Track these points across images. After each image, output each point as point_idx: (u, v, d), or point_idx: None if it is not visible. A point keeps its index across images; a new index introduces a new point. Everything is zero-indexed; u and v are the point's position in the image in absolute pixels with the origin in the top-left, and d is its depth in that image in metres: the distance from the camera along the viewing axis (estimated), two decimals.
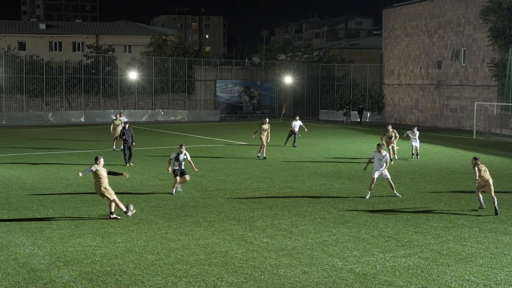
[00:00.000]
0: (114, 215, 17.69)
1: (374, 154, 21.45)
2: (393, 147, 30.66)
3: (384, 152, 21.28)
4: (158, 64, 65.96)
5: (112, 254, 14.08)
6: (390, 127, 30.95)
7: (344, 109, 63.98)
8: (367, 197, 21.04)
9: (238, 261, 13.55)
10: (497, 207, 18.45)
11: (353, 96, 67.67)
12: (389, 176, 21.37)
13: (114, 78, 63.80)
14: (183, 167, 21.70)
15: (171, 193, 21.58)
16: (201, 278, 12.39)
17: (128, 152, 29.39)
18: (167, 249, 14.53)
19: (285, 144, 37.70)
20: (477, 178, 18.79)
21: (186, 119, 64.34)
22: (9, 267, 13.10)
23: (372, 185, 21.30)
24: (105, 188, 17.64)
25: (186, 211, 18.90)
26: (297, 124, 37.61)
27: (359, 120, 61.53)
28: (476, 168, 18.85)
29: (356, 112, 62.93)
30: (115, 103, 63.73)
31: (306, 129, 38.55)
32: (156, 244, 14.92)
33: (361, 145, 38.88)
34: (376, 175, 21.15)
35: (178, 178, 21.60)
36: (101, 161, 17.97)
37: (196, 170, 23.06)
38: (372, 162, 21.52)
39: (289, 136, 37.98)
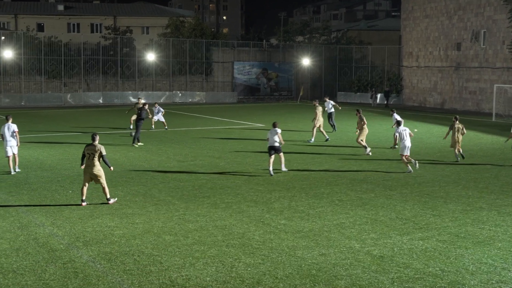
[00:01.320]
0: (112, 200, 17.53)
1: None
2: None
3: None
4: (175, 45, 65.94)
5: (130, 234, 14.19)
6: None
7: (370, 92, 63.51)
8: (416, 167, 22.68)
9: (255, 243, 13.61)
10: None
11: (371, 78, 67.30)
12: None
13: (132, 60, 63.91)
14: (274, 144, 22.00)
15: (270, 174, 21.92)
16: (218, 259, 12.47)
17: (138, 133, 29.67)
18: (185, 230, 14.62)
19: (334, 130, 35.36)
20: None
21: (204, 101, 64.37)
22: (29, 246, 13.26)
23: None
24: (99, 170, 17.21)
25: (204, 192, 18.98)
26: (329, 104, 35.49)
27: (385, 102, 61.01)
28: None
29: (382, 95, 62.52)
30: (133, 84, 63.90)
31: (339, 107, 37.35)
32: (174, 225, 15.02)
33: (379, 127, 38.69)
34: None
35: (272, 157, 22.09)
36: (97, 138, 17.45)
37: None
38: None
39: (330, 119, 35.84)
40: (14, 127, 22.36)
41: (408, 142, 22.69)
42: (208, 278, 11.42)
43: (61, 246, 13.32)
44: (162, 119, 36.19)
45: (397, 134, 23.22)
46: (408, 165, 22.76)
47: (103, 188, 17.29)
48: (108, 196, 17.36)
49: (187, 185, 20.02)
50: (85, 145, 17.97)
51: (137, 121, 29.80)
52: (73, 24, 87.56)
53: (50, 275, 11.54)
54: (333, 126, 35.91)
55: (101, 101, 60.77)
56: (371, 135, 33.94)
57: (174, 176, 21.70)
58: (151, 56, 63.63)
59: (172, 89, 65.03)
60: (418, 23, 63.20)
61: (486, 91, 54.00)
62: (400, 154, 22.97)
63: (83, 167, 17.31)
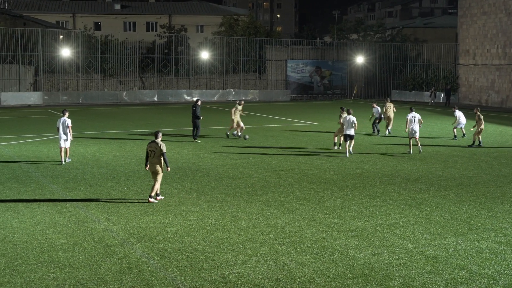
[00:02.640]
0: (160, 197, 17.76)
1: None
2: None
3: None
4: (229, 43, 66.28)
5: (183, 231, 14.33)
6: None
7: (430, 90, 62.54)
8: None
9: (307, 241, 13.58)
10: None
11: (427, 77, 66.38)
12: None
13: (186, 58, 64.50)
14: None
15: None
16: (270, 257, 12.49)
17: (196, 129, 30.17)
18: (237, 227, 14.69)
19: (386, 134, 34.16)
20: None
21: (257, 99, 64.54)
22: (85, 241, 13.52)
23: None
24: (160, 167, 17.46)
25: (256, 190, 19.04)
26: (378, 110, 34.11)
27: (446, 101, 59.93)
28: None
29: (443, 93, 61.58)
30: (187, 82, 64.50)
31: (395, 109, 35.88)
32: (227, 223, 15.10)
33: (434, 126, 38.15)
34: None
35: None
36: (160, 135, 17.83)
37: None
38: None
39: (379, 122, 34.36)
40: (68, 121, 23.73)
41: (416, 127, 26.51)
42: (260, 276, 11.46)
43: (116, 241, 13.55)
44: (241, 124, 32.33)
45: (408, 119, 26.72)
46: (412, 148, 26.89)
47: (154, 185, 17.47)
48: (153, 193, 17.45)
49: (239, 183, 20.11)
50: (147, 142, 18.21)
51: (194, 118, 30.17)
52: (129, 23, 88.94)
53: (105, 270, 11.75)
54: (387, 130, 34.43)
55: (155, 99, 61.52)
56: (424, 133, 33.47)
57: (227, 173, 21.82)
58: (205, 55, 64.10)
59: (225, 87, 65.40)
60: (476, 20, 62.00)
61: None
62: (408, 138, 26.88)
63: (147, 168, 17.63)
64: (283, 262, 12.23)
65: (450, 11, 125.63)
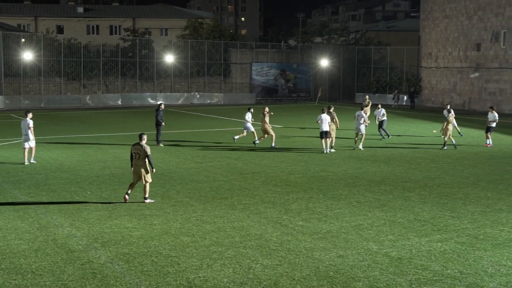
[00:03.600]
0: (149, 200, 17.79)
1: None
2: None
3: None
4: (194, 47, 66.14)
5: (148, 235, 14.23)
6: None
7: (394, 93, 63.08)
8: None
9: (273, 244, 13.59)
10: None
11: (390, 79, 67.04)
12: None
13: (150, 61, 64.19)
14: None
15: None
16: (236, 260, 12.47)
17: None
18: (203, 231, 14.64)
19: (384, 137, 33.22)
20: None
21: (222, 102, 64.51)
22: (48, 247, 13.34)
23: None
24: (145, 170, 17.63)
25: (222, 193, 19.00)
26: (380, 112, 33.28)
27: (411, 104, 60.42)
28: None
29: (406, 96, 62.14)
30: (151, 86, 64.18)
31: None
32: (192, 226, 15.04)
33: (398, 128, 38.53)
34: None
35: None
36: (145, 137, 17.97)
37: None
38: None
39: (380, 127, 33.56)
40: (30, 122, 24.24)
41: (357, 124, 28.65)
42: (225, 280, 11.43)
43: (80, 247, 13.40)
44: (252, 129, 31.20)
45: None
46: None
47: (145, 186, 17.60)
48: (147, 195, 17.64)
49: (204, 187, 20.06)
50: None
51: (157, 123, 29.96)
52: (93, 26, 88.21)
53: (68, 276, 11.61)
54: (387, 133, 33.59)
55: (119, 102, 61.09)
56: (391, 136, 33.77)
57: (192, 177, 21.75)
58: (169, 58, 63.86)
59: (190, 90, 65.22)
60: (438, 24, 62.84)
61: (506, 91, 53.59)
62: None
63: (133, 169, 17.76)
64: (249, 265, 12.22)
65: (412, 14, 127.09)
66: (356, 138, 29.22)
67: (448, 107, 31.91)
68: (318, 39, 78.80)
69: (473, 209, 17.04)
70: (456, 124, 30.87)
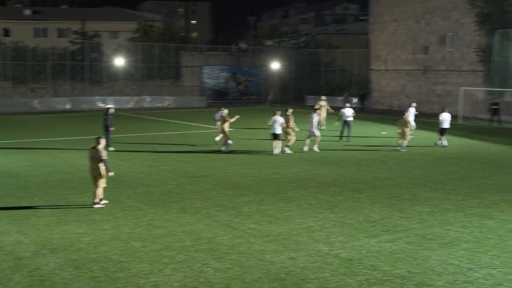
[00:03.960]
0: (104, 201, 17.67)
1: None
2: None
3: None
4: (144, 50, 65.67)
5: (98, 241, 14.06)
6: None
7: (344, 96, 63.53)
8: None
9: (224, 247, 13.57)
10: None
11: (340, 82, 67.68)
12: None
13: (100, 65, 63.47)
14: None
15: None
16: (187, 264, 12.41)
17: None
18: (153, 235, 14.53)
19: (341, 139, 33.29)
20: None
21: (173, 106, 64.18)
22: None
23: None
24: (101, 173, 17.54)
25: (172, 197, 18.90)
26: (348, 112, 33.20)
27: (361, 106, 61.00)
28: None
29: (357, 98, 62.69)
30: (101, 90, 63.44)
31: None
32: (142, 231, 14.92)
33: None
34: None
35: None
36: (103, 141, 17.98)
37: None
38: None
39: (343, 129, 33.45)
40: None
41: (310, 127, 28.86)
42: (176, 284, 11.36)
43: (27, 254, 13.15)
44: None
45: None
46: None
47: (96, 190, 17.49)
48: (96, 200, 17.47)
49: (155, 191, 19.92)
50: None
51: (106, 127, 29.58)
52: (41, 29, 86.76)
53: (15, 283, 11.38)
54: (341, 134, 33.57)
55: (69, 106, 60.20)
56: (332, 137, 34.06)
57: (142, 181, 21.58)
58: (119, 61, 63.24)
59: (140, 94, 64.69)
60: (386, 27, 63.72)
61: (453, 94, 54.60)
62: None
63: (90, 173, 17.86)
64: (200, 269, 12.18)
65: (362, 18, 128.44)
66: (308, 141, 29.30)
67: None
68: (269, 42, 79.09)
69: (421, 209, 17.31)
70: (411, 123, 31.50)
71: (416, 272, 11.96)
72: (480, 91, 50.47)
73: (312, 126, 28.92)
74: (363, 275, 11.81)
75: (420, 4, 58.80)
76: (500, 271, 12.01)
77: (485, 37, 50.93)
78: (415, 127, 33.19)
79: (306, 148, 29.06)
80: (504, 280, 11.55)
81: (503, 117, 43.52)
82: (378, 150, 29.86)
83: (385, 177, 22.40)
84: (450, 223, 15.69)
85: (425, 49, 58.54)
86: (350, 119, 33.35)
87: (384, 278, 11.66)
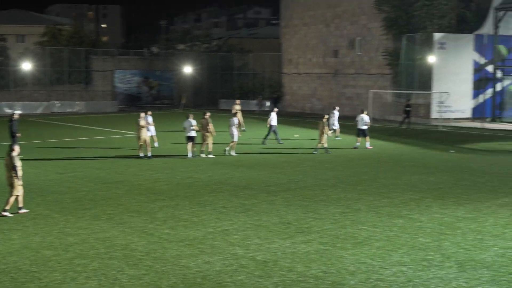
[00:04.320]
0: (23, 210, 17.28)
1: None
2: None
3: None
4: (53, 54, 64.03)
5: (6, 251, 13.59)
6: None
7: (257, 99, 63.87)
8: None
9: (139, 254, 13.39)
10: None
11: (253, 85, 68.13)
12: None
13: (6, 69, 61.48)
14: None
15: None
16: (101, 272, 12.17)
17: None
18: (65, 244, 14.17)
19: (263, 143, 33.52)
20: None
21: (84, 111, 62.89)
22: None
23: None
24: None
25: (84, 204, 18.50)
26: (274, 116, 33.89)
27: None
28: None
29: (270, 101, 63.09)
30: (8, 95, 61.42)
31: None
32: (54, 240, 14.53)
33: (259, 133, 39.17)
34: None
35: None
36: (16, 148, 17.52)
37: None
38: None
39: (268, 133, 33.95)
40: None
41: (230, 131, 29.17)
42: None
43: None
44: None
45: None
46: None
47: (9, 198, 17.08)
48: (7, 207, 17.00)
49: (66, 198, 19.44)
50: None
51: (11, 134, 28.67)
52: None
53: None
54: (265, 139, 33.93)
55: None
56: (246, 140, 34.28)
57: (52, 188, 21.03)
58: (27, 65, 61.42)
59: (50, 99, 63.04)
60: (297, 31, 64.63)
61: (362, 96, 55.93)
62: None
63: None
64: (114, 276, 11.96)
65: (273, 22, 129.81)
66: (233, 144, 29.51)
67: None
68: (181, 46, 78.72)
69: (334, 210, 17.62)
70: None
71: (330, 272, 12.15)
72: (388, 94, 51.89)
73: (232, 129, 29.36)
74: (279, 276, 11.91)
75: (329, 8, 59.97)
76: (410, 268, 12.37)
77: (392, 41, 52.44)
78: (338, 128, 34.16)
79: (232, 152, 29.31)
80: (414, 276, 11.90)
81: (412, 119, 44.85)
82: (292, 153, 30.20)
83: (298, 179, 22.68)
84: (362, 223, 16.03)
85: (335, 53, 59.74)
86: (275, 123, 33.88)
87: (299, 279, 11.78)
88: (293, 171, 24.76)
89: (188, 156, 27.97)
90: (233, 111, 36.32)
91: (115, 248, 13.80)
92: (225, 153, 29.11)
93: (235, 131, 29.39)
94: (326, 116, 31.20)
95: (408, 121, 43.73)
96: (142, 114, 29.47)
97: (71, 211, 17.56)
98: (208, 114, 28.81)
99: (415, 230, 15.35)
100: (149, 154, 28.18)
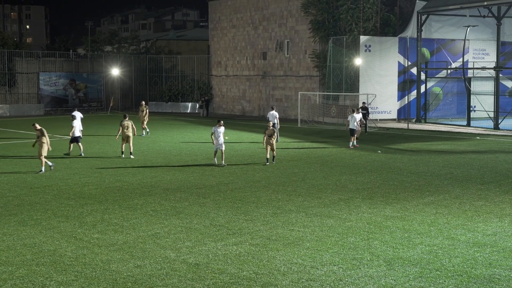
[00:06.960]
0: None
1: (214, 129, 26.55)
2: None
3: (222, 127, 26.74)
4: None
5: None
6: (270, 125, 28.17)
7: (200, 102, 63.30)
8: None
9: (67, 259, 13.13)
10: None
11: (182, 88, 67.83)
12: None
13: None
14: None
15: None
16: (28, 279, 11.87)
17: None
18: None
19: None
20: None
21: (8, 114, 61.25)
22: None
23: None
24: None
25: (10, 210, 18.02)
26: (273, 114, 34.66)
27: (206, 111, 60.97)
28: None
29: (203, 105, 62.79)
30: None
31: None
32: None
33: (190, 136, 39.07)
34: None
35: None
36: None
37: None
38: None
39: None
40: None
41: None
42: None
43: None
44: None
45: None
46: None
47: None
48: None
49: None
50: None
51: None
52: None
53: None
54: None
55: None
56: (183, 143, 34.14)
57: None
58: None
59: None
60: (226, 33, 64.73)
61: (292, 98, 56.48)
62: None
63: None
64: (42, 283, 11.69)
65: (201, 24, 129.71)
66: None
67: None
68: (108, 48, 77.62)
69: (265, 211, 17.71)
70: None
71: (262, 273, 12.21)
72: (317, 95, 52.53)
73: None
74: (211, 279, 11.89)
75: (257, 11, 60.30)
76: (340, 267, 12.55)
77: (320, 44, 53.12)
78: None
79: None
80: (344, 275, 12.08)
81: (339, 120, 45.47)
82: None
83: (228, 181, 22.70)
84: (293, 224, 16.18)
85: (264, 55, 60.10)
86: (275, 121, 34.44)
87: (232, 281, 11.80)
88: (223, 173, 24.76)
89: (122, 156, 28.95)
90: (140, 112, 37.94)
91: (42, 254, 13.49)
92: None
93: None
94: (271, 123, 28.22)
95: (365, 124, 43.60)
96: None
97: None
98: (127, 117, 29.44)
99: (345, 229, 15.59)
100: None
